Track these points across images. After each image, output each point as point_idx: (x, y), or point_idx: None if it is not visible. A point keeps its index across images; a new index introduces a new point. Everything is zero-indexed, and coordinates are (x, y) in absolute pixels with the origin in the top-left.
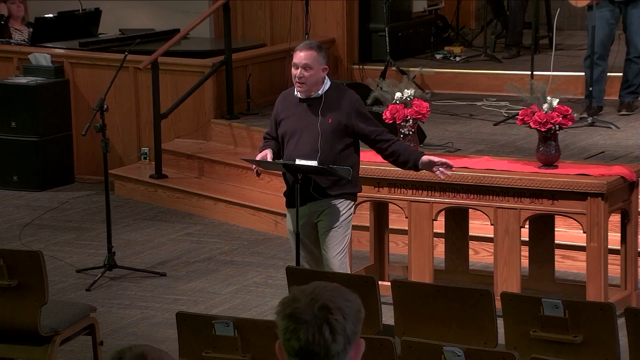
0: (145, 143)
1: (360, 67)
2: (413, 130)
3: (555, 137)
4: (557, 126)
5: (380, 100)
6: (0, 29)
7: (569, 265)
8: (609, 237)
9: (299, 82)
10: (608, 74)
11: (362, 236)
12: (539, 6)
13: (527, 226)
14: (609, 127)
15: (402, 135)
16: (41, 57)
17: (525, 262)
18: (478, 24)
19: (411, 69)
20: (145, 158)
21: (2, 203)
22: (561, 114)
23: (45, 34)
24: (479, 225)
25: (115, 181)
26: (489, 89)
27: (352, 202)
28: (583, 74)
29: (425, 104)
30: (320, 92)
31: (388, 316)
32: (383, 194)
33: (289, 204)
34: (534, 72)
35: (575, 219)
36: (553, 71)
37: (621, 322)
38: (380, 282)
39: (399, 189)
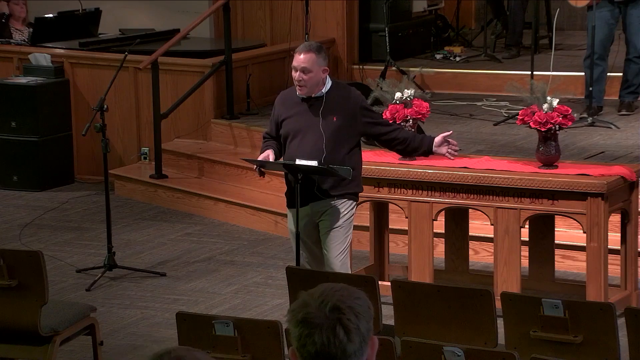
0: (145, 143)
1: (360, 67)
2: (413, 130)
3: (555, 137)
4: (557, 126)
5: (380, 100)
6: (0, 27)
7: (569, 265)
8: (609, 237)
9: (299, 85)
10: (608, 74)
11: (362, 236)
12: (539, 6)
13: (527, 226)
14: (609, 127)
15: None
16: (41, 57)
17: (525, 262)
18: (478, 24)
19: (411, 69)
20: (145, 158)
21: (2, 203)
22: (561, 114)
23: (45, 34)
24: (479, 225)
25: (115, 181)
26: (489, 89)
27: (354, 203)
28: (583, 74)
29: (425, 104)
30: (322, 91)
31: (388, 316)
32: (383, 194)
33: (290, 204)
34: (534, 72)
35: (575, 219)
36: (553, 71)
37: (621, 322)
38: (380, 282)
39: (399, 189)
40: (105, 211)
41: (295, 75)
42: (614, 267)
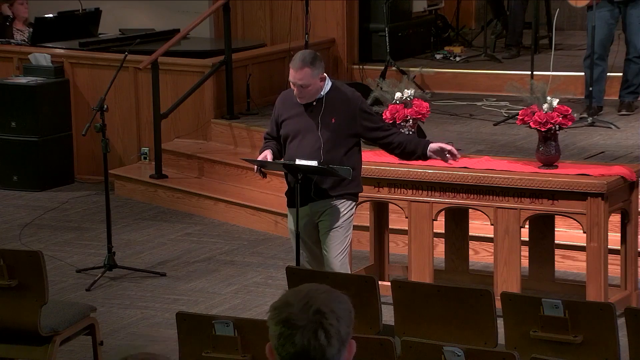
0: (145, 143)
1: (360, 67)
2: (413, 130)
3: (555, 137)
4: (557, 126)
5: (380, 100)
6: (4, 30)
7: (569, 265)
8: (609, 237)
9: (298, 97)
10: (608, 74)
11: (362, 236)
12: (539, 6)
13: (527, 226)
14: (609, 127)
15: None
16: (41, 57)
17: (525, 262)
18: (478, 24)
19: (411, 69)
20: (145, 158)
21: (2, 203)
22: (561, 114)
23: (45, 34)
24: (479, 225)
25: (115, 181)
26: (489, 89)
27: (354, 203)
28: (583, 74)
29: (425, 104)
30: (321, 94)
31: (388, 316)
32: (383, 194)
33: (290, 204)
34: (534, 72)
35: (575, 219)
36: (553, 71)
37: (621, 322)
38: (380, 282)
39: (399, 189)
40: (105, 211)
41: (294, 88)
42: (614, 267)
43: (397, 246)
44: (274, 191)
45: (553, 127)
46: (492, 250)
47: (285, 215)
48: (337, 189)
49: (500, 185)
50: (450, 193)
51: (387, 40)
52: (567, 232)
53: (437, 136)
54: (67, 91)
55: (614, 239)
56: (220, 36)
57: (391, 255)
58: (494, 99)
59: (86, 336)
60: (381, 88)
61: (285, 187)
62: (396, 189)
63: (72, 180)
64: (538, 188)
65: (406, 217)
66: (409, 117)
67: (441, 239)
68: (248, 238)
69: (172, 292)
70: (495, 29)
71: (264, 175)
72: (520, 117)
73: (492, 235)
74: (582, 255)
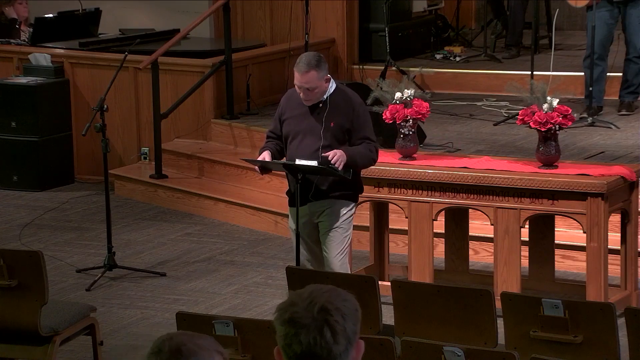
0: (145, 143)
1: (360, 67)
2: (413, 130)
3: (555, 137)
4: (557, 126)
5: (380, 100)
6: (10, 31)
7: (569, 265)
8: (609, 237)
9: (305, 99)
10: (608, 74)
11: (362, 236)
12: (539, 6)
13: (527, 226)
14: (609, 127)
15: (402, 135)
16: (41, 57)
17: (525, 262)
18: (478, 24)
19: (411, 69)
20: (145, 158)
21: (2, 203)
22: (561, 114)
23: (45, 34)
24: (479, 225)
25: (115, 181)
26: (489, 89)
27: (354, 203)
28: (583, 74)
29: (425, 104)
30: (325, 96)
31: (388, 316)
32: (383, 194)
33: (291, 203)
34: (534, 72)
35: (575, 219)
36: (553, 71)
37: (621, 322)
38: (380, 282)
39: (399, 189)
40: (105, 211)
41: (300, 92)
42: (614, 267)
43: (397, 246)
44: (274, 191)
45: (553, 127)
46: (492, 250)
47: (286, 215)
48: (337, 190)
49: (500, 185)
50: (450, 193)
51: (387, 40)
52: (567, 232)
53: (437, 136)
54: (67, 91)
55: (614, 239)
56: (220, 36)
57: (391, 255)
58: (494, 99)
59: (86, 336)
60: (381, 88)
61: (286, 187)
62: (396, 189)
63: (72, 180)
64: (538, 188)
65: (406, 217)
66: (409, 117)
67: (441, 239)
68: (248, 238)
69: (172, 292)
70: (495, 29)
71: (266, 171)
72: (520, 117)
73: (492, 235)
74: (582, 255)
